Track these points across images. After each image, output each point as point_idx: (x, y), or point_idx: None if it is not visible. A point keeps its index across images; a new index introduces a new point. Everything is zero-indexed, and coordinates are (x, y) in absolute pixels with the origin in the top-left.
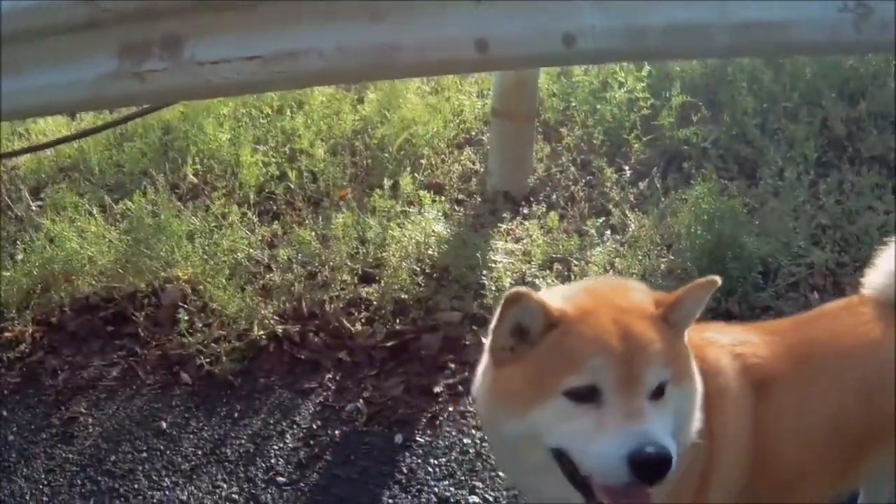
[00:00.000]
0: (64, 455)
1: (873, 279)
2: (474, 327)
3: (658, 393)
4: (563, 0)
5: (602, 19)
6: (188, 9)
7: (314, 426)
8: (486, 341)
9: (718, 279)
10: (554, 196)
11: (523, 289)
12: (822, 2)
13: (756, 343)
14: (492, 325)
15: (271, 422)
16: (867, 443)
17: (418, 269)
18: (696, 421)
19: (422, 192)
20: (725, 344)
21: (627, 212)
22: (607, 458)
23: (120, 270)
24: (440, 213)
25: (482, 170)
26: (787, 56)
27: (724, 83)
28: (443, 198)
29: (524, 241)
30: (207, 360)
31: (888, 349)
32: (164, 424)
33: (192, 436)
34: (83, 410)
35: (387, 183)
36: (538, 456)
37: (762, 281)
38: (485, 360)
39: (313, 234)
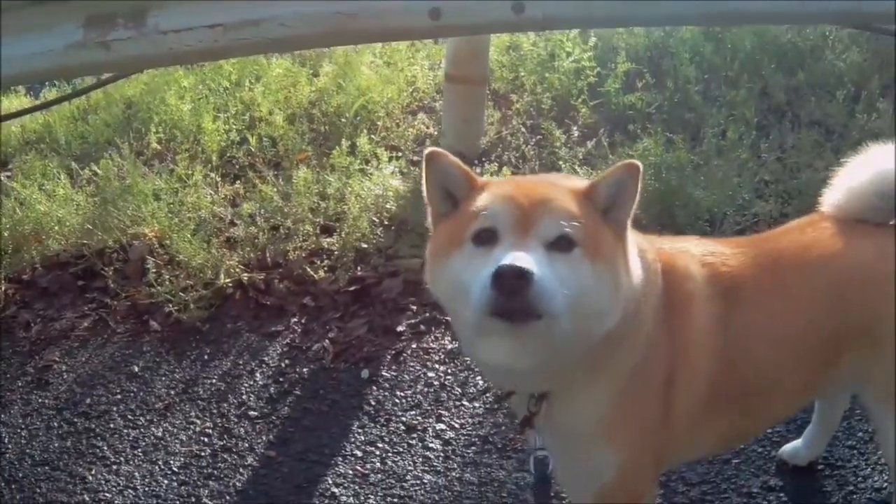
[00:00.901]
0: (40, 400)
1: (831, 197)
2: None
3: (562, 246)
4: None
5: None
6: None
7: (282, 365)
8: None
9: (639, 163)
10: (506, 155)
11: (438, 149)
12: None
13: (725, 254)
14: (425, 195)
15: (240, 362)
16: (837, 347)
17: (377, 220)
18: (606, 306)
19: (379, 151)
20: (696, 253)
21: (577, 167)
22: (482, 280)
23: (89, 227)
24: (397, 170)
25: (436, 133)
26: (735, 24)
27: (667, 54)
28: (399, 156)
29: None
30: (176, 308)
31: (853, 257)
32: (136, 368)
33: (164, 378)
34: (57, 359)
35: (345, 143)
36: (464, 306)
37: (709, 228)
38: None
39: (275, 190)
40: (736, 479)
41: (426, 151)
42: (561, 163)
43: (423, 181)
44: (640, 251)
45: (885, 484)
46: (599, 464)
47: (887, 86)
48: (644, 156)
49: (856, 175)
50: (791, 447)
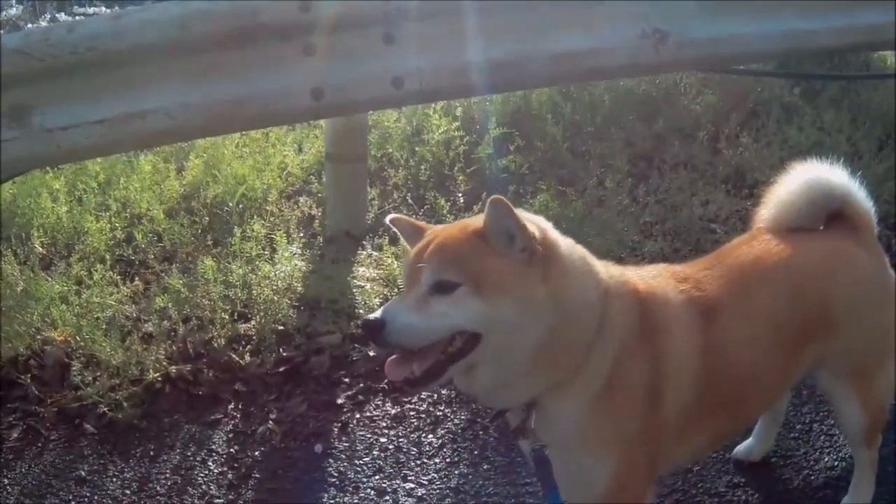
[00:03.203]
0: None
1: (765, 213)
2: (356, 345)
3: (443, 289)
4: (389, 46)
5: (427, 61)
6: (30, 79)
7: (232, 451)
8: None
9: (501, 197)
10: (393, 229)
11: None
12: (623, 31)
13: (696, 277)
14: None
15: (189, 454)
16: (803, 339)
17: (289, 302)
18: (516, 321)
19: (275, 235)
20: (671, 279)
21: None
22: None
23: None
24: (296, 253)
25: (318, 214)
26: (599, 80)
27: (529, 117)
28: (292, 241)
29: (381, 269)
30: (107, 408)
31: (803, 258)
32: (82, 473)
33: (114, 479)
34: None
35: (237, 231)
36: None
37: None
38: None
39: (181, 282)
40: (702, 483)
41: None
42: None
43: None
44: (611, 277)
45: (836, 462)
46: (588, 473)
47: (744, 122)
48: (541, 210)
49: (787, 190)
50: (744, 446)
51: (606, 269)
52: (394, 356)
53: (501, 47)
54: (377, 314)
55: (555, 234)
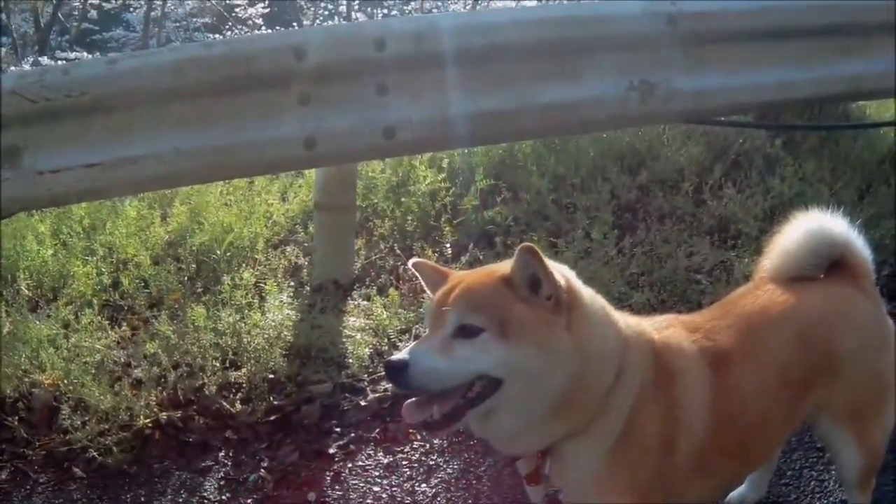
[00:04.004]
0: None
1: (766, 264)
2: (346, 395)
3: (467, 333)
4: (382, 96)
5: (418, 112)
6: (23, 120)
7: (224, 498)
8: None
9: (531, 244)
10: (381, 278)
11: (423, 260)
12: (610, 83)
13: (706, 328)
14: None
15: (180, 500)
16: (807, 384)
17: (280, 350)
18: (538, 368)
19: (264, 283)
20: (684, 331)
21: None
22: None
23: None
24: (286, 301)
25: (305, 263)
26: (587, 132)
27: (515, 168)
28: (283, 288)
29: (370, 318)
30: (97, 452)
31: (807, 307)
32: None
33: None
34: None
35: (226, 279)
36: None
37: None
38: None
39: (171, 329)
40: None
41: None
42: None
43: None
44: (628, 327)
45: None
46: None
47: (727, 173)
48: None
49: (789, 239)
50: (737, 493)
51: (624, 319)
52: (413, 399)
53: (492, 99)
54: (401, 355)
55: (578, 284)
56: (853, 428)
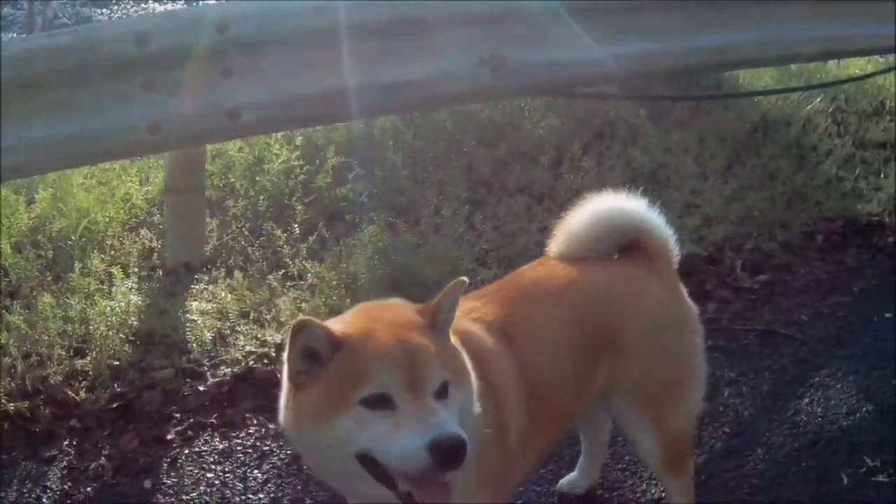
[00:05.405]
0: None
1: (553, 245)
2: (188, 380)
3: (442, 393)
4: (226, 79)
5: (263, 93)
6: None
7: (66, 487)
8: (284, 371)
9: (465, 279)
10: (231, 259)
11: (307, 317)
12: (459, 58)
13: (479, 306)
14: (285, 355)
15: (24, 491)
16: (594, 359)
17: (125, 337)
18: (477, 412)
19: (112, 269)
20: (463, 313)
21: (304, 262)
22: (410, 450)
23: None
24: (133, 287)
25: (159, 246)
26: (436, 108)
27: (371, 144)
28: (131, 274)
29: (214, 302)
30: None
31: (586, 281)
32: None
33: None
34: None
35: (77, 266)
36: (346, 461)
37: None
38: (285, 387)
39: (21, 318)
40: None
41: (295, 322)
42: (287, 260)
43: (288, 347)
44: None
45: (661, 494)
46: None
47: (588, 145)
48: (372, 242)
49: (576, 224)
50: (567, 480)
51: None
52: (430, 481)
53: (336, 78)
54: (453, 432)
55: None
56: (648, 413)
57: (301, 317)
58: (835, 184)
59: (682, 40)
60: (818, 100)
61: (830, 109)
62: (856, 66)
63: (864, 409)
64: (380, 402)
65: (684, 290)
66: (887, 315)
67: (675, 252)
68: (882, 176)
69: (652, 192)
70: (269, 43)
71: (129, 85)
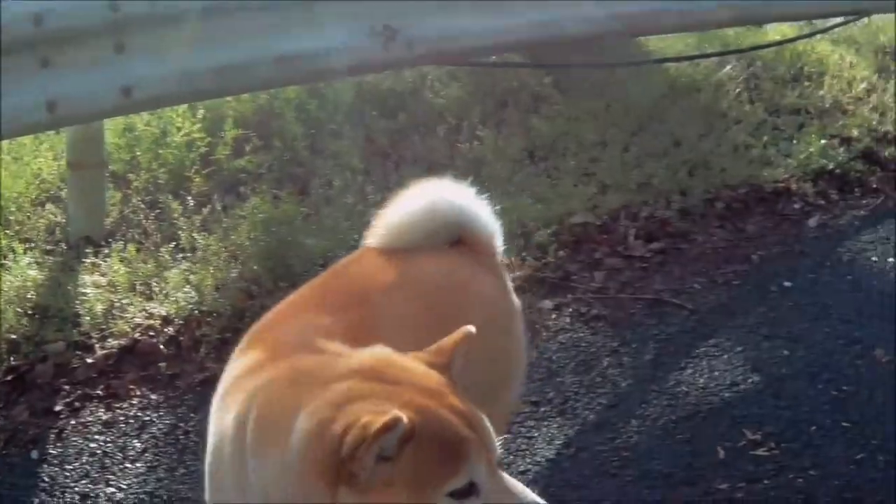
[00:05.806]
0: None
1: (371, 237)
2: (78, 352)
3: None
4: (119, 55)
5: (155, 69)
6: None
7: None
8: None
9: (472, 328)
10: (130, 233)
11: (398, 413)
12: (350, 30)
13: (329, 323)
14: (346, 455)
15: None
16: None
17: (22, 311)
18: None
19: (15, 244)
20: (312, 333)
21: (195, 234)
22: None
23: None
24: (33, 262)
25: (64, 221)
26: (328, 80)
27: (273, 115)
28: (34, 248)
29: (109, 275)
30: None
31: (423, 272)
32: None
33: None
34: None
35: None
36: None
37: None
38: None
39: None
40: None
41: (387, 421)
42: (181, 232)
43: (354, 451)
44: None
45: (530, 467)
46: None
47: (489, 114)
48: (254, 214)
49: (396, 215)
50: None
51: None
52: None
53: (227, 52)
54: (536, 498)
55: None
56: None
57: (394, 412)
58: (742, 151)
59: (593, 8)
60: (729, 66)
61: (744, 77)
62: (777, 31)
63: (750, 380)
64: (466, 491)
65: (509, 286)
66: (786, 284)
67: (499, 246)
68: (794, 142)
69: (548, 161)
70: (162, 19)
71: (28, 63)
